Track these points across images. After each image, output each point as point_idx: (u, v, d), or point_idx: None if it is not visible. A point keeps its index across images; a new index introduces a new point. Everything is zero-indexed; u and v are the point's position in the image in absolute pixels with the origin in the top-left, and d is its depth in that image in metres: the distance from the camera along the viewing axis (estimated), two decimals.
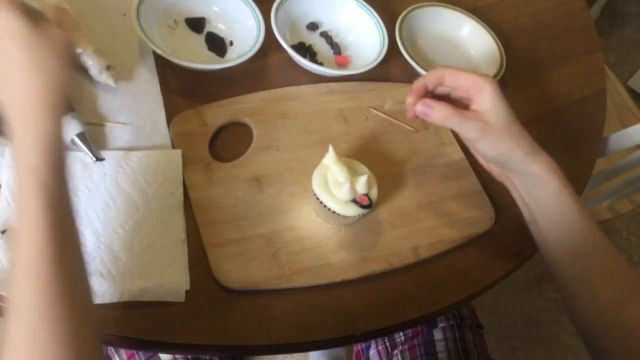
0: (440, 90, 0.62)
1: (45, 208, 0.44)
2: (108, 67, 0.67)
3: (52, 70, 0.49)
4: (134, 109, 0.68)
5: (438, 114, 0.58)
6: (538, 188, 0.61)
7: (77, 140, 0.61)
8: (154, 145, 0.66)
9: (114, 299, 0.55)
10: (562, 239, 0.61)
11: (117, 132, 0.66)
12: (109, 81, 0.67)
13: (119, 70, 0.70)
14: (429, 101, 0.59)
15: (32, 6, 0.52)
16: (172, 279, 0.57)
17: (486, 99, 0.58)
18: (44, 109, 0.48)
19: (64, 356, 0.42)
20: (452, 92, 0.62)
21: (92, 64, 0.67)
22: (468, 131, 0.59)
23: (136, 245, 0.59)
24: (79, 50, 0.67)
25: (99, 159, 0.61)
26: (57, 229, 0.45)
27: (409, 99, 0.61)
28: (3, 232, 0.56)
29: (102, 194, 0.61)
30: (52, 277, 0.43)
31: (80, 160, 0.61)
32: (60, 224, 0.45)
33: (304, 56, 0.75)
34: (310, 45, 0.80)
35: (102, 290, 0.55)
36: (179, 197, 0.62)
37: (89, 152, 0.61)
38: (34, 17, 0.50)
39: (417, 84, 0.61)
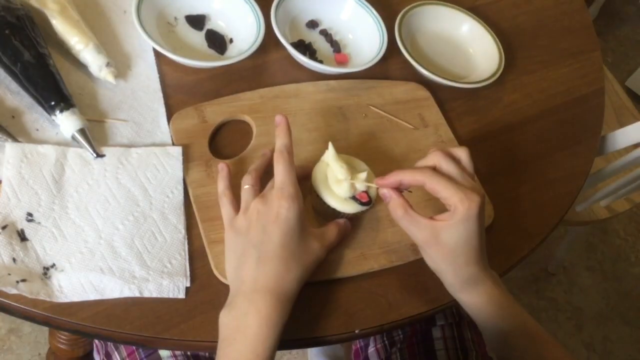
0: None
1: None
2: (108, 64, 0.67)
3: (302, 274, 0.57)
4: (134, 105, 0.68)
5: (392, 207, 0.59)
6: (471, 312, 0.61)
7: (77, 136, 0.61)
8: (154, 143, 0.66)
9: (114, 294, 0.55)
10: (496, 346, 0.61)
11: (117, 129, 0.66)
12: (109, 78, 0.67)
13: (119, 67, 0.70)
14: (391, 192, 0.59)
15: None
16: (172, 276, 0.57)
17: (453, 217, 0.56)
18: (287, 307, 0.55)
19: None
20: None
21: (91, 60, 0.67)
22: (413, 236, 0.59)
23: (136, 241, 0.59)
24: (79, 47, 0.67)
25: (99, 155, 0.62)
26: None
27: (384, 182, 0.60)
28: (3, 227, 0.56)
29: (102, 189, 0.61)
30: None
31: (80, 156, 0.62)
32: None
33: (304, 54, 0.76)
34: (310, 43, 0.80)
35: (102, 286, 0.55)
36: (179, 194, 0.62)
37: (89, 148, 0.61)
38: (305, 221, 0.57)
39: (394, 177, 0.59)
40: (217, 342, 0.54)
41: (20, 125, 0.63)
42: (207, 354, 0.76)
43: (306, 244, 0.57)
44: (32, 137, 0.62)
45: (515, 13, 0.99)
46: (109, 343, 0.78)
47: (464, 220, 0.55)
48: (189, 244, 0.60)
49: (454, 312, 0.84)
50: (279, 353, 0.57)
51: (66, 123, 0.61)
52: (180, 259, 0.59)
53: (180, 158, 0.64)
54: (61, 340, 1.02)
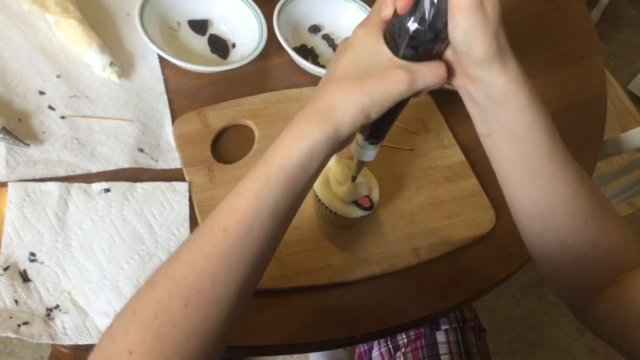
0: None
1: (282, 184, 0.45)
2: (111, 64, 0.68)
3: (355, 97, 0.46)
4: (140, 105, 0.68)
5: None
6: (501, 100, 0.51)
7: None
8: (159, 144, 0.66)
9: None
10: (521, 156, 0.54)
11: (124, 129, 0.66)
12: (113, 77, 0.68)
13: (124, 68, 0.70)
14: None
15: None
16: None
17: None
18: (330, 122, 0.46)
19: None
20: None
21: (95, 60, 0.68)
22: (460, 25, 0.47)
23: (142, 281, 0.58)
24: (83, 48, 0.67)
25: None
26: (286, 202, 0.45)
27: None
28: (5, 269, 0.55)
29: (107, 226, 0.60)
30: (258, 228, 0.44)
31: (84, 191, 0.61)
32: (286, 207, 0.45)
33: (306, 58, 0.76)
34: (312, 48, 0.80)
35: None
36: (185, 231, 0.61)
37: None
38: (386, 50, 0.48)
39: None
40: None
41: (27, 128, 0.63)
42: None
43: (382, 68, 0.47)
44: (39, 139, 0.62)
45: (515, 18, 0.99)
46: None
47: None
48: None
49: (458, 317, 0.84)
50: (280, 357, 0.58)
51: None
52: None
53: (187, 194, 0.63)
54: (64, 345, 1.02)
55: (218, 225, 0.44)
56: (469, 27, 0.46)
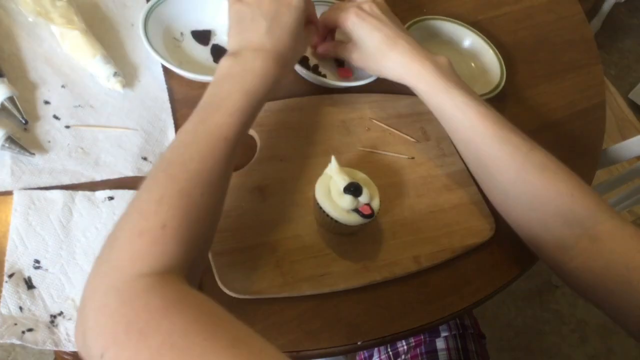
0: None
1: (244, 108, 0.55)
2: (115, 74, 0.69)
3: (295, 56, 0.66)
4: (143, 114, 0.69)
5: (330, 52, 0.77)
6: (418, 92, 0.68)
7: (6, 104, 0.62)
8: (162, 153, 0.67)
9: None
10: (452, 136, 0.69)
11: (128, 138, 0.67)
12: (117, 87, 0.69)
13: (127, 78, 0.71)
14: (322, 44, 0.77)
15: None
16: None
17: (351, 35, 0.70)
18: (284, 67, 0.61)
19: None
20: None
21: (99, 70, 0.69)
22: (356, 64, 0.73)
23: None
24: (87, 58, 0.68)
25: (27, 121, 0.64)
26: (243, 132, 0.56)
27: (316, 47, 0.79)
28: (10, 276, 0.56)
29: None
30: (222, 150, 0.53)
31: (88, 199, 0.62)
32: (242, 130, 0.55)
33: (307, 68, 0.77)
34: (309, 58, 0.81)
35: None
36: None
37: (18, 115, 0.63)
38: None
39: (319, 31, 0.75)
40: None
41: (32, 137, 0.64)
42: None
43: (300, 34, 0.64)
44: (44, 148, 0.63)
45: (516, 28, 1.00)
46: None
47: (353, 29, 0.69)
48: None
49: (458, 324, 0.85)
50: None
51: None
52: None
53: None
54: (66, 352, 1.02)
55: (217, 135, 0.53)
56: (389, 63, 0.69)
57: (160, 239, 0.46)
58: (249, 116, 0.56)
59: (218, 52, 0.78)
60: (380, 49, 0.68)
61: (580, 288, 0.61)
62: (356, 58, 0.71)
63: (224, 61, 0.59)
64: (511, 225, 0.66)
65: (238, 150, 0.55)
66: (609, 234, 0.58)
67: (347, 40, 0.73)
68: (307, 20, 0.67)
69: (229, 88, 0.56)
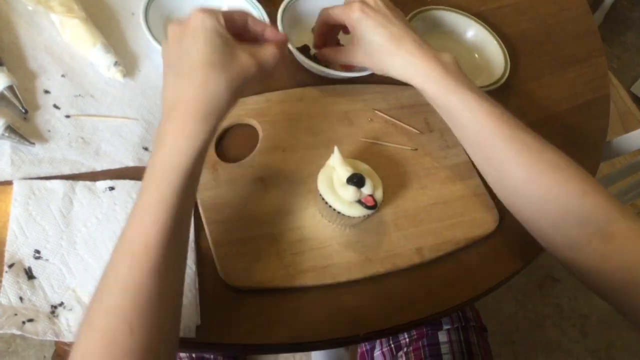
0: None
1: (174, 194, 0.48)
2: (116, 63, 0.68)
3: (226, 85, 0.51)
4: (144, 103, 0.69)
5: (330, 57, 0.73)
6: (425, 93, 0.65)
7: (6, 93, 0.62)
8: None
9: None
10: (460, 137, 0.66)
11: (128, 127, 0.66)
12: (117, 76, 0.68)
13: (128, 67, 0.71)
14: (322, 50, 0.74)
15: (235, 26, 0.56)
16: (182, 314, 0.56)
17: (354, 32, 0.67)
18: (208, 119, 0.50)
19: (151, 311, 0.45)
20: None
21: (100, 60, 0.68)
22: (358, 64, 0.70)
23: None
24: (87, 47, 0.68)
25: (27, 111, 0.63)
26: (178, 215, 0.48)
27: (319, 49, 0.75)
28: (10, 266, 0.55)
29: (111, 224, 0.60)
30: (163, 248, 0.46)
31: (89, 189, 0.61)
32: (181, 215, 0.48)
33: (310, 58, 0.76)
34: (310, 48, 0.80)
35: None
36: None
37: (18, 104, 0.62)
38: (231, 33, 0.54)
39: (319, 29, 0.73)
40: (221, 342, 0.55)
41: (32, 127, 0.63)
42: (211, 356, 0.76)
43: (231, 55, 0.52)
44: (44, 138, 0.63)
45: (521, 19, 0.99)
46: None
47: (357, 25, 0.66)
48: (196, 246, 0.61)
49: (460, 317, 0.84)
50: (282, 356, 0.58)
51: None
52: (190, 297, 0.58)
53: None
54: (67, 343, 1.02)
55: (137, 246, 0.47)
56: (388, 63, 0.67)
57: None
58: (174, 205, 0.48)
59: None
60: (385, 47, 0.65)
61: (597, 288, 0.59)
62: (360, 58, 0.68)
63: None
64: (522, 223, 0.64)
65: (181, 241, 0.50)
66: (622, 234, 0.56)
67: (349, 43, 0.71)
68: (253, 32, 0.59)
69: (146, 175, 0.50)
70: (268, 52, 0.56)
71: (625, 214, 0.57)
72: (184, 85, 0.50)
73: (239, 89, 0.52)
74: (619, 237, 0.56)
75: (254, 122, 0.71)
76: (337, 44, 0.77)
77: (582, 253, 0.58)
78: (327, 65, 0.78)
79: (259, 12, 0.77)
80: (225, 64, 0.51)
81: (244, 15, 0.58)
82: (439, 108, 0.65)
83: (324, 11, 0.70)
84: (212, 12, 0.53)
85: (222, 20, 0.53)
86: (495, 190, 0.65)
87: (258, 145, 0.69)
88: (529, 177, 0.60)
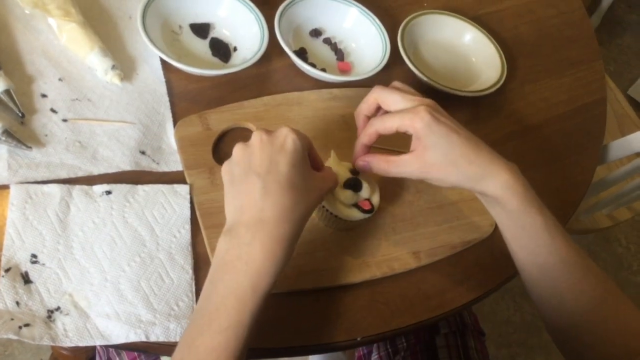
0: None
1: (240, 319, 0.47)
2: (113, 67, 0.68)
3: (306, 211, 0.53)
4: (141, 107, 0.69)
5: (377, 168, 0.60)
6: (496, 207, 0.59)
7: (3, 97, 0.62)
8: (160, 146, 0.67)
9: (120, 340, 0.55)
10: (525, 252, 0.59)
11: (125, 132, 0.66)
12: (115, 80, 0.68)
13: (125, 71, 0.71)
14: (366, 157, 0.61)
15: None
16: (179, 319, 0.57)
17: (420, 138, 0.57)
18: (293, 245, 0.51)
19: None
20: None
21: (97, 63, 0.68)
22: (409, 175, 0.59)
23: (143, 283, 0.58)
24: (85, 51, 0.68)
25: (24, 115, 0.63)
26: (248, 336, 0.48)
27: (358, 134, 0.64)
28: (7, 270, 0.55)
29: (108, 229, 0.60)
30: None
31: (86, 193, 0.61)
32: (246, 338, 0.48)
33: (307, 62, 0.76)
34: (307, 51, 0.80)
35: (108, 332, 0.55)
36: (186, 233, 0.61)
37: (15, 108, 0.62)
38: (307, 161, 0.55)
39: (359, 147, 0.63)
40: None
41: (29, 131, 0.63)
42: None
43: (311, 181, 0.54)
44: (41, 142, 0.63)
45: (517, 22, 1.00)
46: (111, 349, 0.78)
47: (427, 131, 0.56)
48: (193, 250, 0.61)
49: (458, 321, 0.84)
50: (279, 358, 0.58)
51: None
52: (187, 301, 0.58)
53: (188, 197, 0.63)
54: (63, 347, 1.02)
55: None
56: (438, 182, 0.59)
57: None
58: (248, 326, 0.48)
59: (217, 46, 0.77)
60: (464, 155, 0.57)
61: None
62: (424, 169, 0.58)
63: (221, 241, 0.51)
64: (556, 340, 0.63)
65: None
66: None
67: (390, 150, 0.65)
68: (311, 160, 0.57)
69: (223, 289, 0.48)
70: (332, 177, 0.60)
71: None
72: (273, 201, 0.50)
73: (309, 215, 0.54)
74: None
75: (251, 126, 0.71)
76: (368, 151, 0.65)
77: None
78: (324, 70, 0.78)
79: (256, 16, 0.77)
80: (307, 191, 0.53)
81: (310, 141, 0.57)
82: (511, 221, 0.59)
83: (375, 121, 0.60)
84: (303, 137, 0.55)
85: (307, 145, 0.55)
86: (547, 312, 0.61)
87: None
88: (593, 309, 0.58)
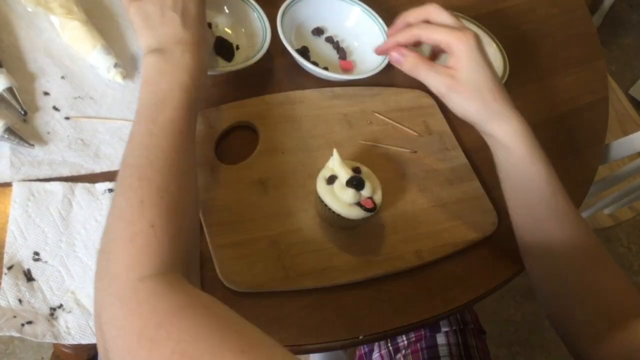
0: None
1: (186, 103, 0.55)
2: (116, 65, 0.68)
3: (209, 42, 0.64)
4: None
5: (408, 63, 0.62)
6: (503, 152, 0.61)
7: (5, 95, 0.62)
8: None
9: None
10: (524, 202, 0.62)
11: (128, 129, 0.65)
12: (117, 78, 0.68)
13: (129, 69, 0.71)
14: (403, 50, 0.63)
15: None
16: None
17: (461, 57, 0.59)
18: (204, 55, 0.60)
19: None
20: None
21: (100, 61, 0.68)
22: (434, 85, 0.61)
23: None
24: (87, 49, 0.68)
25: (26, 112, 0.63)
26: (193, 124, 0.56)
27: (390, 33, 0.66)
28: (9, 268, 0.55)
29: None
30: (181, 142, 0.53)
31: (88, 191, 0.61)
32: (192, 123, 0.56)
33: (309, 60, 0.76)
34: (309, 50, 0.80)
35: None
36: None
37: (17, 106, 0.62)
38: None
39: (392, 41, 0.64)
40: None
41: (31, 129, 0.63)
42: None
43: (206, 27, 0.64)
44: (43, 140, 0.63)
45: (519, 22, 1.00)
46: None
47: (471, 53, 0.59)
48: None
49: (459, 319, 0.84)
50: None
51: None
52: None
53: None
54: (65, 344, 1.02)
55: (171, 129, 0.53)
56: (455, 105, 0.62)
57: (152, 239, 0.46)
58: (192, 110, 0.56)
59: (219, 44, 0.77)
60: (491, 90, 0.60)
61: None
62: (452, 86, 0.60)
63: (150, 58, 0.57)
64: (542, 302, 0.64)
65: (193, 142, 0.56)
66: None
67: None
68: None
69: (166, 86, 0.55)
70: None
71: None
72: (191, 31, 0.59)
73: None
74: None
75: (253, 125, 0.71)
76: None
77: (603, 340, 0.57)
78: (326, 68, 0.78)
79: (258, 14, 0.77)
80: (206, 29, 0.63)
81: None
82: (516, 168, 0.61)
83: (421, 26, 0.62)
84: None
85: None
86: (535, 273, 0.64)
87: (257, 147, 0.69)
88: (583, 269, 0.59)
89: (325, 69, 0.78)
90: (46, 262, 0.57)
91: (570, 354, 0.62)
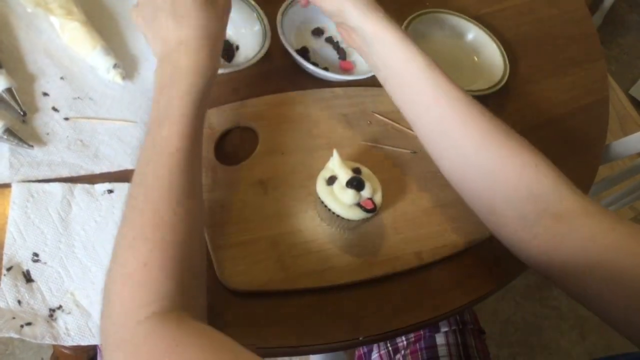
0: None
1: (186, 111, 0.54)
2: (115, 65, 0.68)
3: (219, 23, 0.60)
4: (143, 106, 0.69)
5: None
6: (376, 43, 0.62)
7: (4, 95, 0.62)
8: None
9: None
10: (409, 91, 0.62)
11: (127, 130, 0.66)
12: (117, 79, 0.68)
13: (127, 70, 0.71)
14: None
15: None
16: None
17: None
18: (212, 49, 0.58)
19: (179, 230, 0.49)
20: None
21: (99, 62, 0.68)
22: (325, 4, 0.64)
23: None
24: (87, 50, 0.68)
25: (25, 113, 0.63)
26: (195, 134, 0.54)
27: None
28: (8, 269, 0.55)
29: (110, 227, 0.60)
30: (184, 162, 0.52)
31: (87, 192, 0.61)
32: (197, 134, 0.55)
33: (309, 61, 0.76)
34: (309, 51, 0.80)
35: None
36: None
37: (16, 107, 0.62)
38: None
39: None
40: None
41: (31, 129, 0.63)
42: None
43: (212, 6, 0.59)
44: (42, 141, 0.63)
45: (520, 22, 0.99)
46: None
47: None
48: None
49: (458, 319, 0.84)
50: (281, 359, 0.58)
51: None
52: None
53: None
54: (64, 345, 1.02)
55: (167, 150, 0.52)
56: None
57: (144, 280, 0.46)
58: (195, 117, 0.54)
59: None
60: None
61: (548, 273, 0.56)
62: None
63: (157, 69, 0.57)
64: (468, 199, 0.61)
65: (199, 153, 0.55)
66: (573, 213, 0.54)
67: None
68: None
69: (166, 96, 0.55)
70: None
71: (576, 192, 0.55)
72: (186, 24, 0.57)
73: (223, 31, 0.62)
74: (569, 216, 0.53)
75: (253, 125, 0.71)
76: None
77: (532, 232, 0.55)
78: (326, 69, 0.78)
79: (258, 15, 0.77)
80: (211, 6, 0.59)
81: None
82: (394, 56, 0.62)
83: None
84: None
85: None
86: (443, 159, 0.62)
87: (257, 148, 0.69)
88: (482, 143, 0.58)
89: (325, 69, 0.78)
90: (45, 263, 0.56)
91: (507, 246, 0.61)
